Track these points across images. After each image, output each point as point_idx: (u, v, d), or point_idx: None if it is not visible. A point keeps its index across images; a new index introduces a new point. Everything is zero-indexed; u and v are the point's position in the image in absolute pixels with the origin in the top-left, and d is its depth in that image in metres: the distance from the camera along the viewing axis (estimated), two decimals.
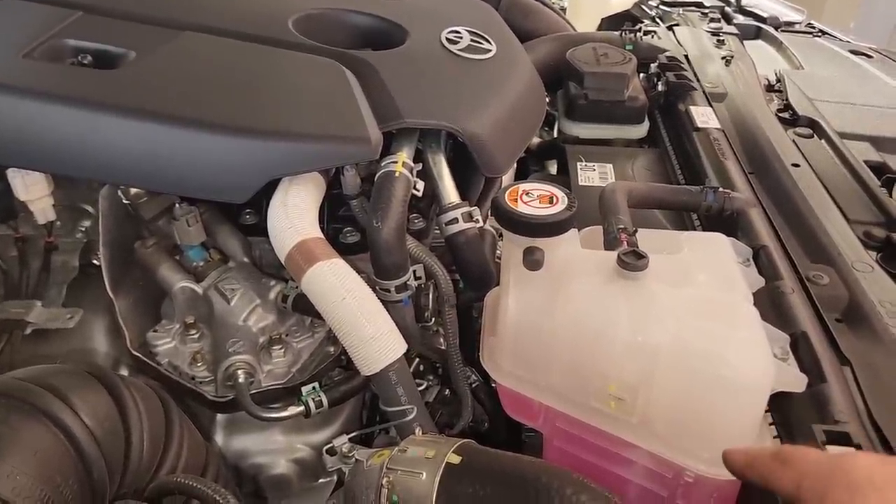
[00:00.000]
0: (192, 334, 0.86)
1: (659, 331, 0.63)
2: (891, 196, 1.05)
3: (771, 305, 0.76)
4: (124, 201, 0.88)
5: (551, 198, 0.72)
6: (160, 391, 0.67)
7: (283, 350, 0.85)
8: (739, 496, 0.66)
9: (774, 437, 0.67)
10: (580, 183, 1.09)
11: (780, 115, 1.26)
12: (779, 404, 0.67)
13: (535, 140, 1.48)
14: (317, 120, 0.80)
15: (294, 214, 0.77)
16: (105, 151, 0.76)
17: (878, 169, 1.11)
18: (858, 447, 0.59)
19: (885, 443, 0.61)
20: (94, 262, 0.91)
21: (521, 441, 0.87)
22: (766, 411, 0.67)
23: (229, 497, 0.44)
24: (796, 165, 1.06)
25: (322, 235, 0.76)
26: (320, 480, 0.89)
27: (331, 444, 0.76)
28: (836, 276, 0.82)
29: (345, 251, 0.87)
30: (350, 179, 0.83)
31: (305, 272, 0.73)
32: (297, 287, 0.82)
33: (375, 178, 0.82)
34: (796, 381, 0.66)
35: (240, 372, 0.81)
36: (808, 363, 0.69)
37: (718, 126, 1.17)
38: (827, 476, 0.45)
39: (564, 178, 1.14)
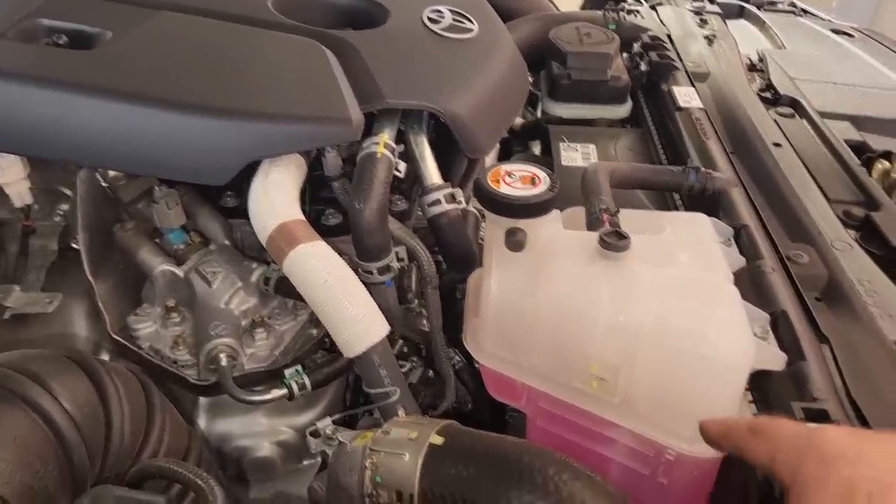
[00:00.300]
0: (174, 318, 0.85)
1: (641, 311, 0.64)
2: (870, 175, 1.06)
3: (751, 284, 0.76)
4: (103, 184, 0.87)
5: (533, 178, 0.72)
6: (141, 375, 0.67)
7: (265, 333, 0.84)
8: (719, 473, 0.67)
9: (754, 416, 0.67)
10: (563, 163, 1.09)
11: (762, 94, 1.26)
12: (758, 382, 0.68)
13: (519, 121, 1.47)
14: (297, 101, 0.79)
15: (275, 196, 0.76)
16: (82, 133, 0.75)
17: (859, 148, 1.12)
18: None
19: (863, 420, 0.61)
20: (73, 245, 0.90)
21: (505, 421, 0.87)
22: (746, 389, 0.68)
23: (211, 481, 0.44)
24: (777, 145, 1.06)
25: (304, 217, 0.76)
26: (304, 462, 0.89)
27: (314, 427, 0.75)
28: (815, 256, 0.83)
29: (326, 233, 0.87)
30: (331, 161, 0.83)
31: (287, 254, 0.72)
32: (279, 270, 0.82)
33: (357, 160, 0.81)
34: (776, 360, 0.67)
35: (222, 355, 0.81)
36: (788, 342, 0.70)
37: (701, 106, 1.17)
38: (800, 449, 0.45)
39: (548, 159, 1.14)
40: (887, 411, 0.63)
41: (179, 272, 0.87)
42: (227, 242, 0.91)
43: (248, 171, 0.79)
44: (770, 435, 0.49)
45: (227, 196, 0.92)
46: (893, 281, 0.81)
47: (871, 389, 0.65)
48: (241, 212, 0.83)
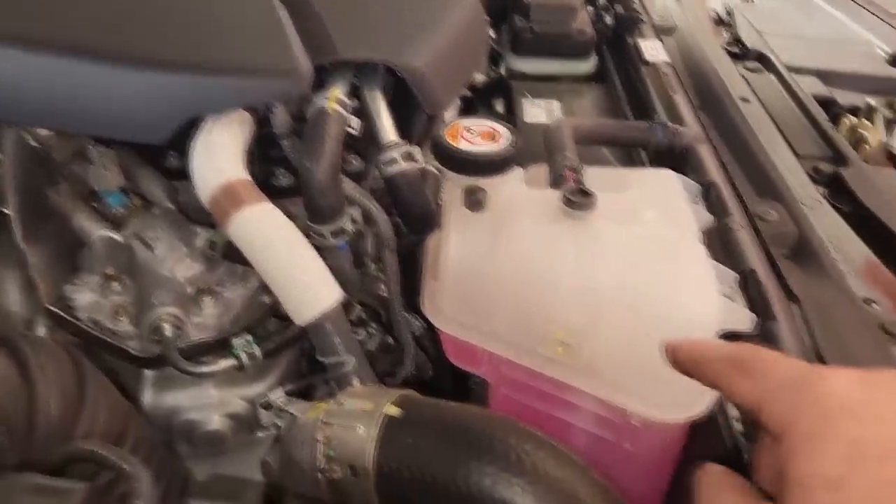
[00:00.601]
0: (114, 286, 0.80)
1: (605, 271, 0.61)
2: (838, 131, 1.04)
3: (720, 243, 0.74)
4: (33, 144, 0.81)
5: (493, 134, 0.68)
6: (73, 350, 0.62)
7: (212, 301, 0.80)
8: (686, 440, 0.65)
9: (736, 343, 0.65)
10: (526, 120, 1.05)
11: (730, 48, 1.24)
12: None
13: (481, 78, 1.43)
14: (242, 53, 0.74)
15: (218, 155, 0.71)
16: (5, 88, 0.69)
17: (827, 103, 1.10)
18: None
19: None
20: (4, 210, 0.84)
21: (468, 389, 0.85)
22: None
23: (139, 466, 0.40)
24: (745, 100, 1.04)
25: (249, 178, 0.71)
26: (257, 435, 0.85)
27: (266, 399, 0.72)
28: (784, 213, 0.81)
29: (277, 194, 0.82)
30: (279, 117, 0.78)
31: (231, 217, 0.67)
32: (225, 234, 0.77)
33: (307, 116, 0.76)
34: (744, 320, 0.64)
35: (166, 325, 0.76)
36: (757, 301, 0.68)
37: (668, 60, 1.13)
38: (796, 399, 0.37)
39: (511, 117, 1.10)
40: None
41: (119, 238, 0.81)
42: (170, 206, 0.85)
43: (189, 129, 0.74)
44: (757, 374, 0.40)
45: (169, 156, 0.86)
46: (861, 238, 0.79)
47: (841, 347, 0.64)
48: (186, 173, 0.78)
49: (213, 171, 0.70)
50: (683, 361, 0.46)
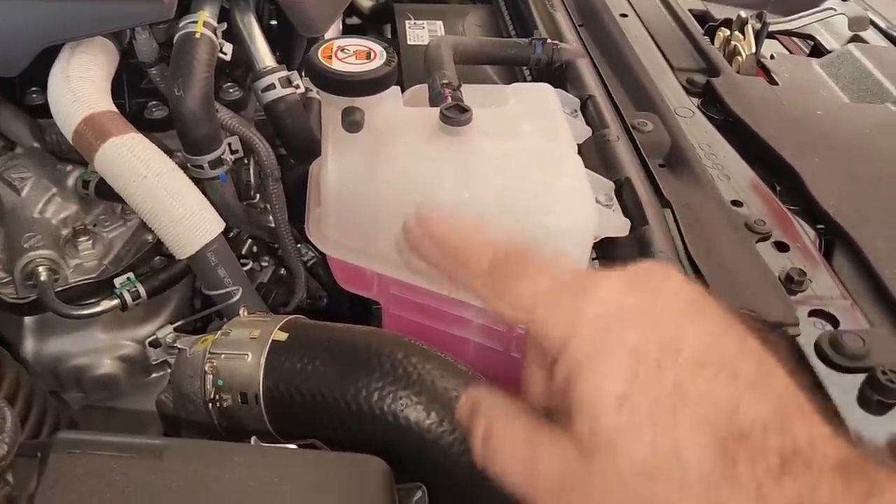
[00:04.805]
0: None
1: (484, 185, 0.62)
2: (713, 44, 1.08)
3: (597, 153, 0.76)
4: None
5: (369, 53, 0.67)
6: None
7: (90, 241, 0.76)
8: None
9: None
10: (409, 42, 1.04)
11: None
12: (604, 249, 0.68)
13: (368, 4, 1.39)
14: None
15: (79, 86, 0.67)
16: None
17: (702, 17, 1.14)
18: None
19: (699, 274, 0.63)
20: None
21: (367, 314, 0.85)
22: (593, 258, 0.68)
23: (5, 409, 0.38)
24: (624, 16, 1.06)
25: (114, 108, 0.68)
26: (152, 376, 0.83)
27: (154, 336, 0.70)
28: (659, 123, 0.83)
29: (151, 128, 0.79)
30: (143, 43, 0.74)
31: (97, 150, 0.65)
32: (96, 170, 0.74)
33: (174, 42, 0.73)
34: (620, 226, 0.67)
35: (41, 269, 0.73)
36: (632, 208, 0.70)
37: None
38: (572, 309, 0.34)
39: (395, 41, 1.08)
40: (722, 266, 0.65)
41: None
42: (35, 145, 0.80)
43: (47, 61, 0.69)
44: (530, 277, 0.36)
45: (31, 93, 0.81)
46: (731, 144, 0.83)
47: (708, 247, 0.67)
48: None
49: (73, 102, 0.66)
50: (419, 239, 0.40)
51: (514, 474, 0.35)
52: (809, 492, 0.29)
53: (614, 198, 0.70)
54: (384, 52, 0.66)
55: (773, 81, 1.02)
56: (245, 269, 0.80)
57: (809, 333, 0.61)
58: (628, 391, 0.32)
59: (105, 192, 0.77)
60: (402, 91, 0.73)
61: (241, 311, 0.67)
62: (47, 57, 0.70)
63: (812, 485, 0.29)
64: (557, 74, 0.89)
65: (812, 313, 0.63)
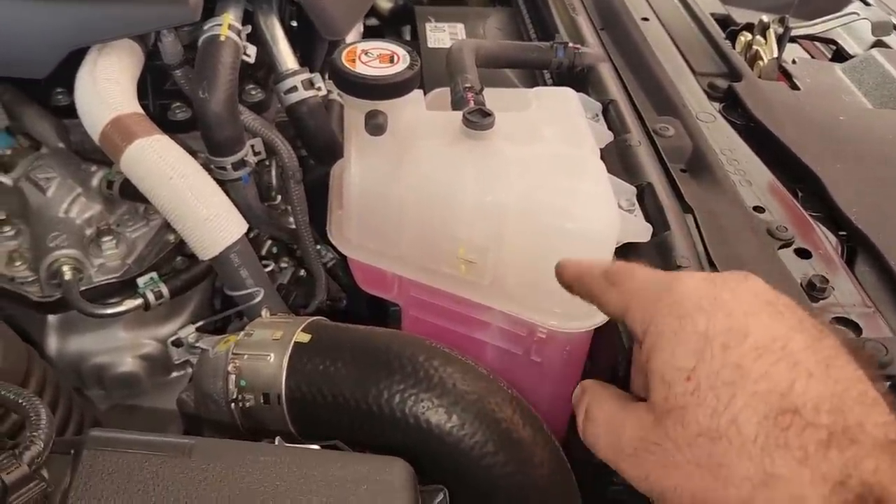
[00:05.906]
0: (6, 231, 0.77)
1: (506, 189, 0.62)
2: (734, 48, 1.07)
3: (618, 158, 0.76)
4: None
5: (392, 56, 0.67)
6: None
7: (114, 241, 0.77)
8: (591, 348, 0.68)
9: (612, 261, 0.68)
10: (430, 45, 1.04)
11: None
12: (626, 255, 0.68)
13: (388, 5, 1.40)
14: None
15: (105, 88, 0.68)
16: None
17: (723, 21, 1.13)
18: None
19: None
20: None
21: (385, 315, 0.85)
22: None
23: (37, 402, 0.39)
24: (645, 19, 1.05)
25: (140, 110, 0.69)
26: (173, 375, 0.84)
27: (176, 336, 0.71)
28: (681, 128, 0.83)
29: (174, 129, 0.80)
30: (169, 46, 0.75)
31: (124, 151, 0.65)
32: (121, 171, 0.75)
33: (199, 44, 0.74)
34: (641, 231, 0.67)
35: (65, 268, 0.74)
36: (654, 213, 0.70)
37: None
38: (653, 299, 0.41)
39: (416, 44, 1.08)
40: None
41: (8, 180, 0.78)
42: (61, 145, 0.81)
43: (74, 63, 0.70)
44: (622, 283, 0.44)
45: (57, 93, 0.82)
46: (753, 149, 0.83)
47: (730, 253, 0.67)
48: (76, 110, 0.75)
49: (100, 104, 0.67)
50: (568, 279, 0.49)
51: (603, 445, 0.41)
52: (854, 463, 0.33)
53: (636, 203, 0.70)
54: (407, 56, 0.67)
55: (794, 86, 1.01)
56: (265, 270, 0.80)
57: None
58: (695, 365, 0.37)
59: (129, 193, 0.78)
60: (424, 94, 0.74)
61: (263, 313, 0.68)
62: (73, 58, 0.71)
63: (857, 458, 0.33)
64: (579, 78, 0.89)
65: (834, 321, 0.63)
